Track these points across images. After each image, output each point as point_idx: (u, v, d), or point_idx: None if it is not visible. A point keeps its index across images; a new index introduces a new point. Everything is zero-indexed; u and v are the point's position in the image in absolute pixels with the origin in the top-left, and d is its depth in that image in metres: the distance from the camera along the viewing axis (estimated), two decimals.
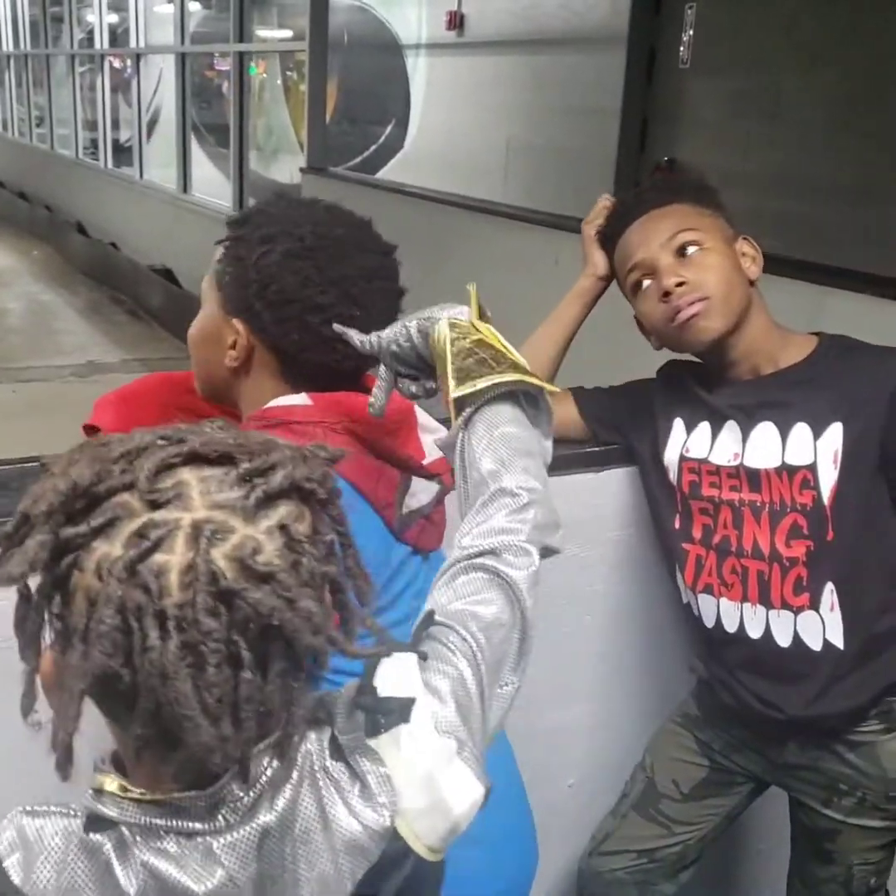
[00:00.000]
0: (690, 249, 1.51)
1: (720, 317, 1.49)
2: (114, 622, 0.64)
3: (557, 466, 1.62)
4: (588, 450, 1.70)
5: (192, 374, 1.33)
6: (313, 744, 0.76)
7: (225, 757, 0.68)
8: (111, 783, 0.73)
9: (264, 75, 9.56)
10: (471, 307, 1.12)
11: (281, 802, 0.73)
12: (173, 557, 0.65)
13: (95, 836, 0.72)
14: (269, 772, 0.73)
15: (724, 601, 1.57)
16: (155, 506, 0.67)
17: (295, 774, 0.74)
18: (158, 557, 0.65)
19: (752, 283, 1.55)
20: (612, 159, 4.94)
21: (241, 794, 0.72)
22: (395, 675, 0.80)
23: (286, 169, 9.35)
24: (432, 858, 0.79)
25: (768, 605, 1.54)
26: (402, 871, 0.77)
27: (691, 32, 4.55)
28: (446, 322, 1.10)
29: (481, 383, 1.03)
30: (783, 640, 1.53)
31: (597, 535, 1.76)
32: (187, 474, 0.68)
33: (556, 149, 5.57)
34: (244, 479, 0.69)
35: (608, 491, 1.75)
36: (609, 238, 1.61)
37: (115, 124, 11.52)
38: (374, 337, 1.16)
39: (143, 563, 0.64)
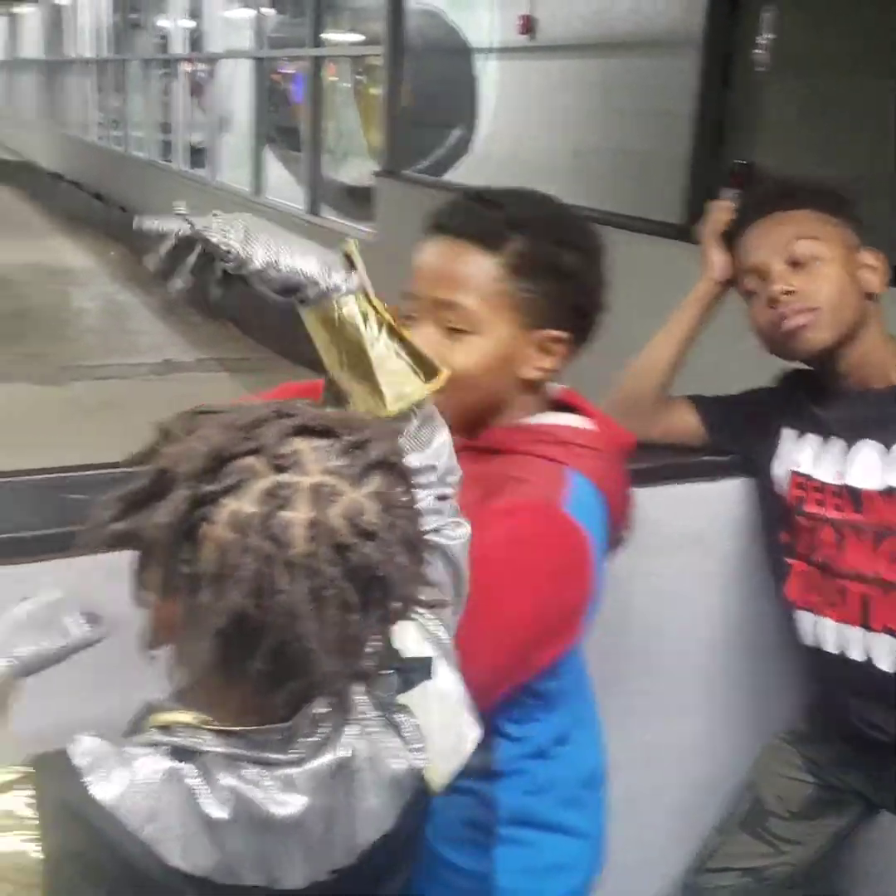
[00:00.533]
0: (806, 257, 1.48)
1: (827, 329, 1.47)
2: (250, 568, 0.74)
3: (674, 475, 1.65)
4: (706, 459, 1.67)
5: (319, 385, 1.18)
6: (360, 695, 0.87)
7: (332, 689, 0.80)
8: (186, 716, 0.82)
9: (335, 78, 9.70)
10: (358, 275, 0.99)
11: (345, 741, 0.84)
12: (298, 515, 0.75)
13: (181, 764, 0.79)
14: (333, 713, 0.83)
15: (826, 621, 1.54)
16: (279, 469, 0.77)
17: (351, 718, 0.85)
18: (286, 514, 0.75)
19: (871, 295, 1.51)
20: (684, 163, 4.94)
21: (310, 732, 0.82)
22: (403, 635, 0.92)
23: (355, 171, 9.48)
24: (441, 794, 0.94)
25: (870, 628, 1.50)
26: (421, 805, 0.92)
27: (769, 34, 4.54)
28: (355, 300, 0.98)
29: (415, 395, 1.00)
30: (885, 663, 1.50)
31: (712, 546, 1.73)
32: (301, 443, 0.79)
33: (625, 152, 5.59)
34: (346, 449, 0.79)
35: (725, 501, 1.71)
36: (728, 239, 1.59)
37: (187, 127, 11.77)
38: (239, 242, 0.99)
39: (273, 519, 0.75)
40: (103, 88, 14.89)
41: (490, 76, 9.00)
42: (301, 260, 0.99)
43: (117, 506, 0.80)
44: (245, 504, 0.75)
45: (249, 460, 0.77)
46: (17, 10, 20.85)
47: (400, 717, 0.89)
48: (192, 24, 11.11)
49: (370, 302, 1.00)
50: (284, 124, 10.12)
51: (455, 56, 9.11)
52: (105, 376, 6.72)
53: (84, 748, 0.80)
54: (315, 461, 0.78)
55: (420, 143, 8.50)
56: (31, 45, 19.91)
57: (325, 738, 0.83)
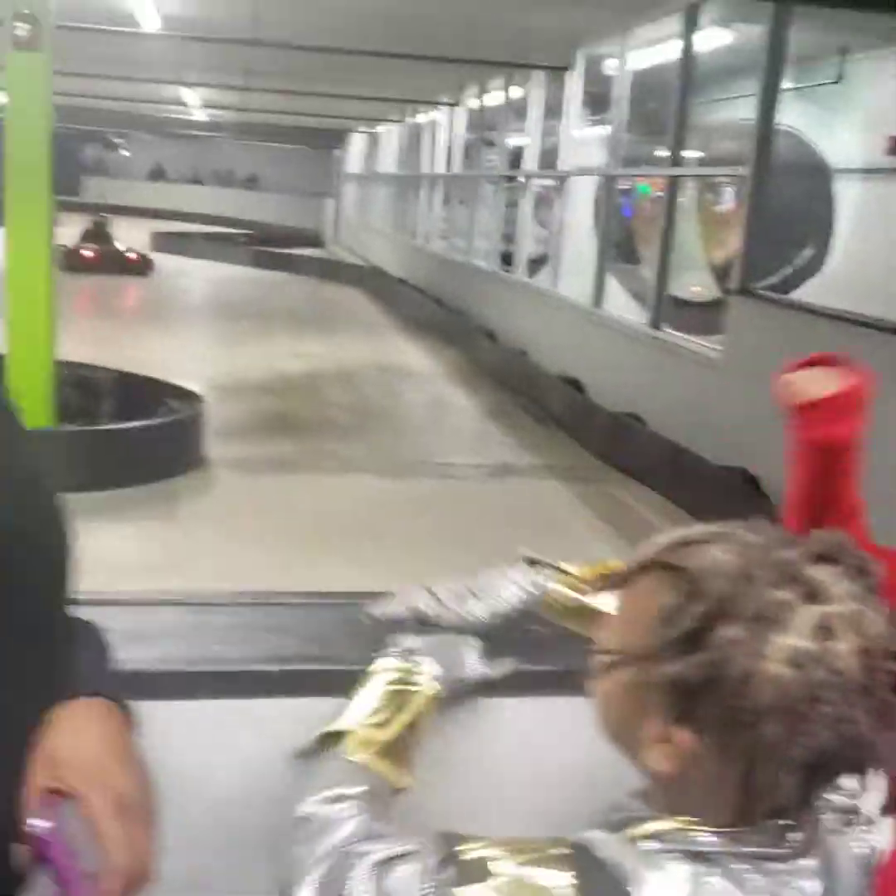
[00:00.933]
0: None
1: None
2: (829, 704, 0.77)
3: None
4: None
5: None
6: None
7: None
8: (670, 823, 0.83)
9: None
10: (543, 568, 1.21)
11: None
12: (849, 645, 0.78)
13: (701, 867, 0.82)
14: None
15: None
16: (812, 599, 0.79)
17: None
18: (839, 646, 0.78)
19: None
20: None
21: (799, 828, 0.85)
22: None
23: (690, 286, 9.44)
24: None
25: None
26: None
27: None
28: (556, 590, 1.21)
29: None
30: None
31: None
32: (814, 571, 0.81)
33: None
34: (853, 574, 0.81)
35: None
36: None
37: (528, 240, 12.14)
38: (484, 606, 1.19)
39: (830, 652, 0.78)
40: (448, 201, 15.75)
41: (852, 196, 8.69)
42: (503, 601, 1.19)
43: (669, 646, 0.81)
44: (795, 639, 0.78)
45: (782, 592, 0.79)
46: (378, 128, 22.65)
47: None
48: (539, 142, 11.50)
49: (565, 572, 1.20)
50: (614, 238, 10.28)
51: (813, 175, 8.91)
52: (446, 476, 6.84)
53: (607, 847, 0.82)
54: (837, 587, 0.80)
55: (768, 260, 8.28)
56: (387, 161, 21.50)
57: (811, 833, 0.85)
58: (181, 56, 12.27)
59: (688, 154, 9.27)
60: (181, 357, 9.42)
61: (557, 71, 9.94)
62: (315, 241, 25.75)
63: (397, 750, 1.02)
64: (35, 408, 6.24)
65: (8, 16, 5.75)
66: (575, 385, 8.45)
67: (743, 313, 6.78)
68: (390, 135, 20.92)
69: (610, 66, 9.60)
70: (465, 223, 14.60)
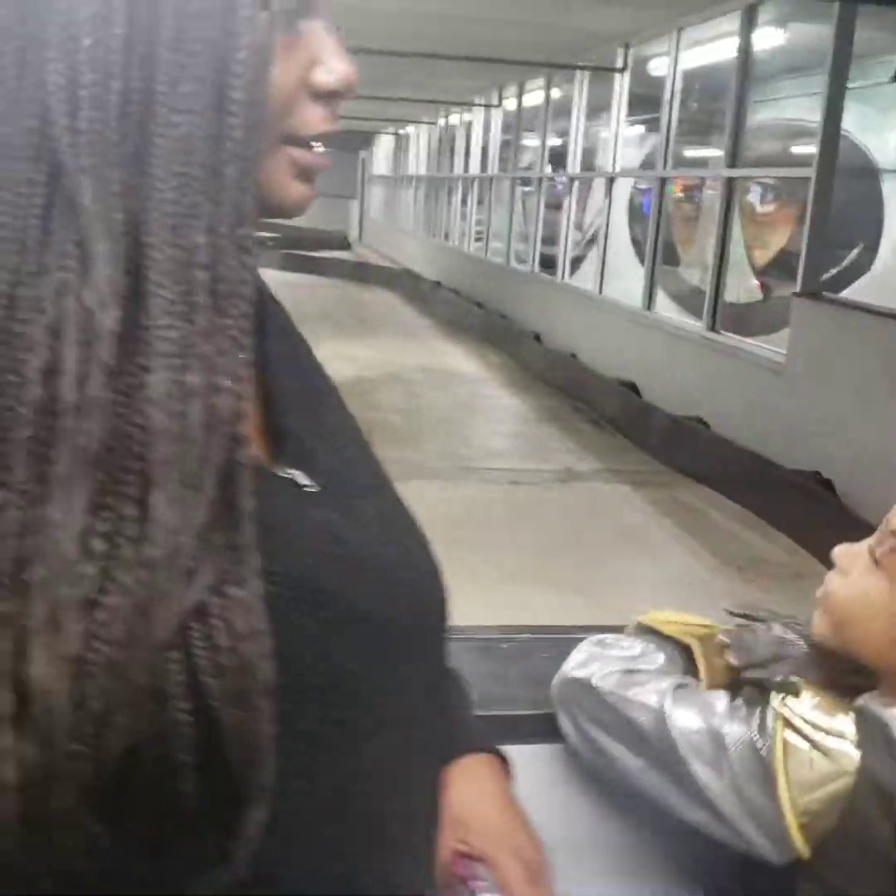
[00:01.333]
0: None
1: None
2: None
3: None
4: None
5: None
6: None
7: None
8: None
9: (708, 193, 9.67)
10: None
11: None
12: None
13: None
14: None
15: None
16: None
17: None
18: None
19: None
20: None
21: None
22: None
23: (732, 290, 9.41)
24: None
25: None
26: None
27: None
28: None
29: None
30: None
31: None
32: None
33: None
34: None
35: None
36: None
37: (551, 240, 12.17)
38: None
39: None
40: (482, 203, 15.75)
41: None
42: None
43: None
44: None
45: None
46: (404, 130, 22.64)
47: None
48: (582, 143, 11.48)
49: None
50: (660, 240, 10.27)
51: (861, 176, 8.89)
52: (512, 481, 6.82)
53: None
54: None
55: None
56: (416, 162, 21.49)
57: None
58: None
59: (714, 153, 9.23)
60: None
61: (608, 71, 9.89)
62: (342, 243, 25.76)
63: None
64: None
65: None
66: (631, 388, 8.42)
67: (807, 315, 6.75)
68: (420, 136, 20.90)
69: (656, 66, 9.59)
70: (502, 225, 14.60)
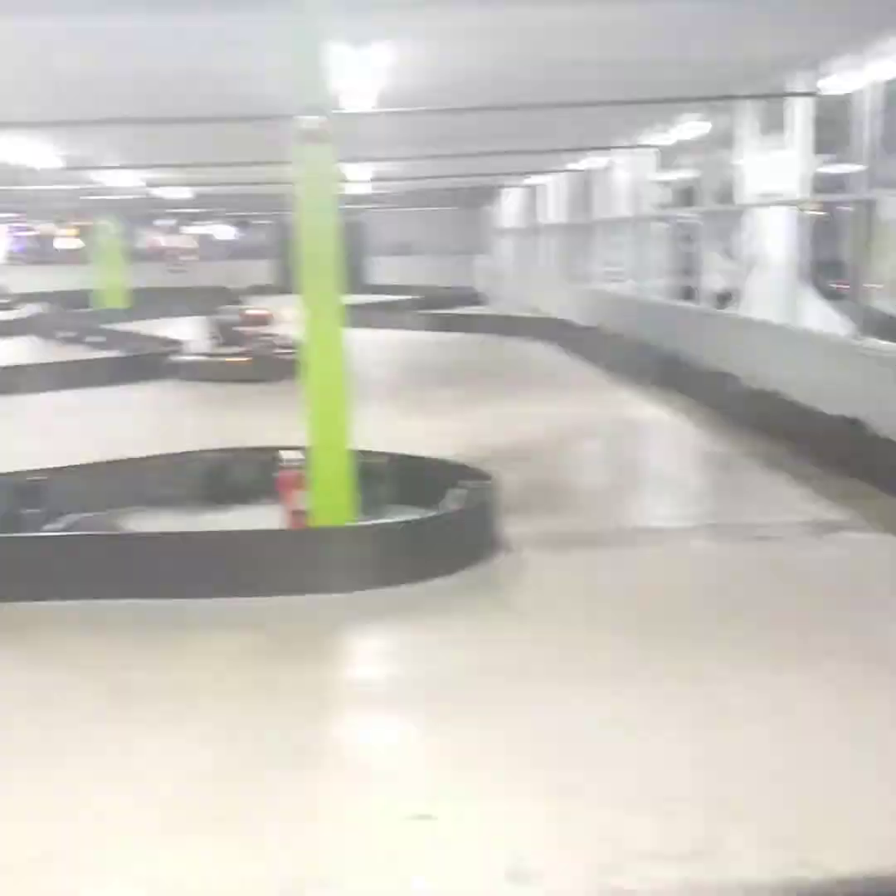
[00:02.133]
0: None
1: None
2: None
3: None
4: None
5: None
6: None
7: None
8: None
9: None
10: None
11: None
12: None
13: None
14: None
15: None
16: None
17: None
18: None
19: None
20: None
21: None
22: None
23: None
24: None
25: None
26: None
27: None
28: None
29: None
30: None
31: None
32: None
33: None
34: None
35: None
36: None
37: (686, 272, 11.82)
38: None
39: None
40: (632, 243, 15.48)
41: None
42: None
43: None
44: None
45: None
46: (529, 181, 22.55)
47: None
48: (750, 172, 11.09)
49: None
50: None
51: None
52: (763, 537, 6.40)
53: None
54: None
55: None
56: (551, 210, 21.36)
57: None
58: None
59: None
60: (413, 431, 9.20)
61: (792, 96, 9.49)
62: (473, 298, 25.70)
63: None
64: (338, 503, 6.09)
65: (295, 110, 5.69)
66: (856, 425, 7.89)
67: None
68: (556, 184, 20.75)
69: (825, 85, 9.20)
70: (657, 264, 14.23)
